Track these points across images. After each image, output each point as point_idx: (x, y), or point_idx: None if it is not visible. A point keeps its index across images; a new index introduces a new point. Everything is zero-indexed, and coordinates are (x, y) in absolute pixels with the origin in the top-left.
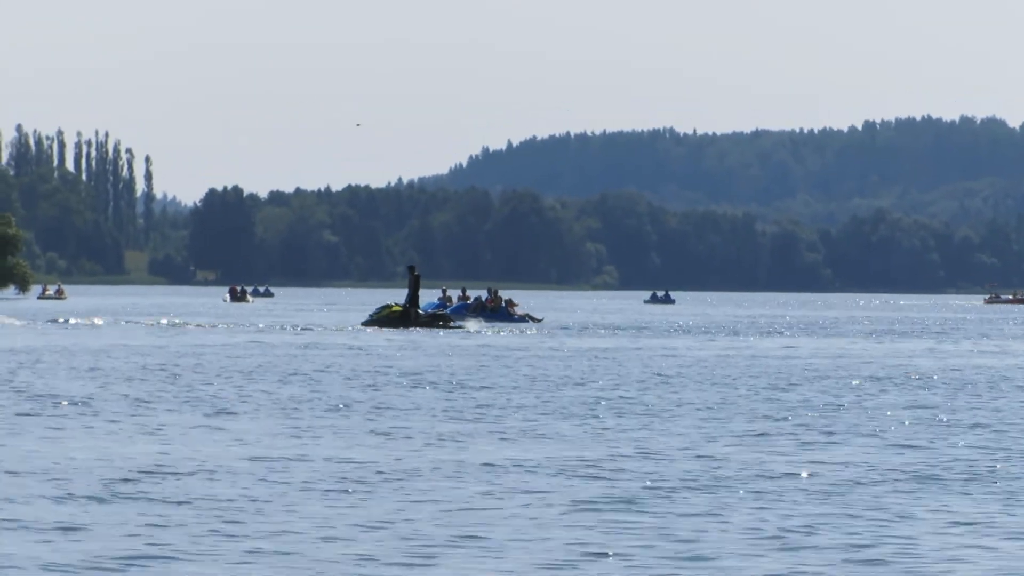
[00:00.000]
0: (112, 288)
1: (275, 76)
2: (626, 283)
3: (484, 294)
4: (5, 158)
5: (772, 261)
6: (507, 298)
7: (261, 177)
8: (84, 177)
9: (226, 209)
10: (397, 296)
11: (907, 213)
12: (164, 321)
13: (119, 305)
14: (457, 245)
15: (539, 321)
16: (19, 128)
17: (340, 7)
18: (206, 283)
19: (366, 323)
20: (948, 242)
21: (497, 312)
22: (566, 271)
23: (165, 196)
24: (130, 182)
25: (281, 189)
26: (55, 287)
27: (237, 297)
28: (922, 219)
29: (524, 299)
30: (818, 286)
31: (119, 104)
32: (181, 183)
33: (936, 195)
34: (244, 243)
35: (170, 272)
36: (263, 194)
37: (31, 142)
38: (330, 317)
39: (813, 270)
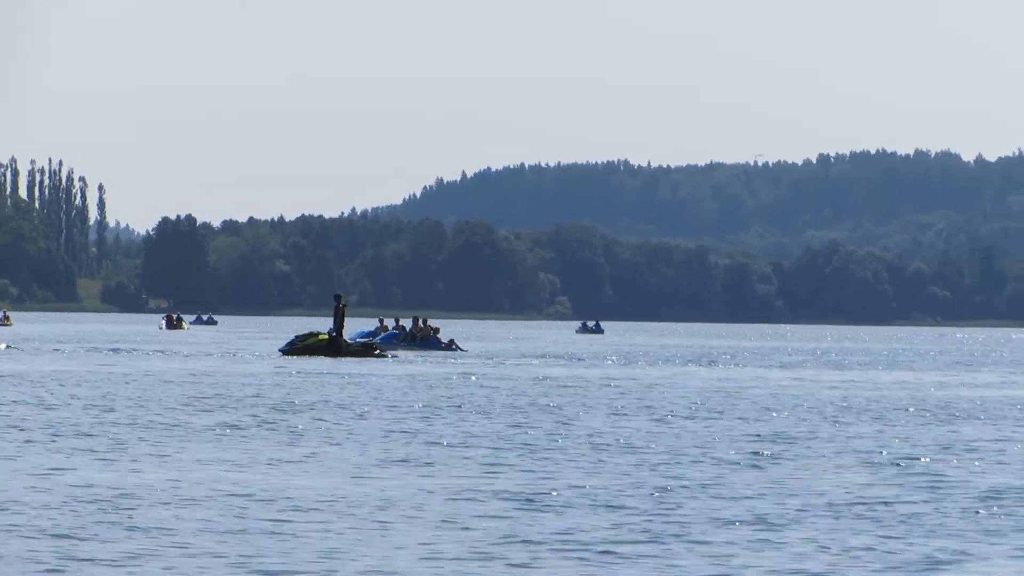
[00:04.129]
0: (63, 316)
1: (230, 105)
2: (579, 313)
3: (410, 323)
4: None
5: (725, 292)
6: (434, 327)
7: (214, 206)
8: (37, 204)
9: (179, 238)
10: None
11: (860, 245)
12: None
13: (59, 332)
14: (410, 275)
15: (464, 351)
16: None
17: (297, 39)
18: (159, 311)
19: (286, 351)
20: (901, 274)
21: (426, 340)
22: (519, 301)
23: (118, 224)
24: (83, 210)
25: (234, 218)
26: (0, 313)
27: (173, 324)
28: (875, 251)
29: (470, 328)
30: (771, 317)
31: (72, 132)
32: (134, 212)
33: (890, 228)
34: (197, 272)
35: (122, 300)
36: (216, 223)
37: None
38: (255, 345)
39: (766, 301)
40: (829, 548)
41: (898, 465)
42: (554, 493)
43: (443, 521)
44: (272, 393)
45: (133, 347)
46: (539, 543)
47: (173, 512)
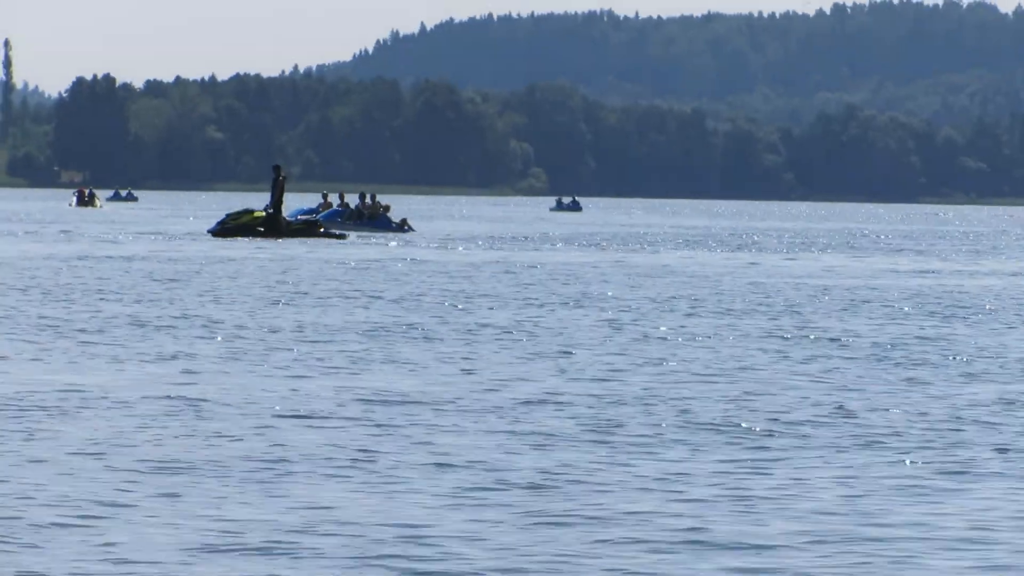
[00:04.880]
0: None
1: None
2: (557, 189)
3: (356, 199)
4: None
5: (725, 164)
6: (384, 204)
7: (136, 65)
8: None
9: (96, 101)
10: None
11: (882, 110)
12: None
13: None
14: (361, 143)
15: (413, 231)
16: None
17: None
18: (72, 185)
19: (217, 231)
20: (929, 143)
21: (375, 219)
22: (488, 174)
23: (26, 86)
24: None
25: (159, 78)
26: None
27: (84, 201)
28: (899, 117)
29: (429, 206)
30: (779, 193)
31: None
32: (45, 71)
33: (915, 90)
34: (116, 140)
35: (31, 173)
36: (138, 84)
37: None
38: (181, 225)
39: (773, 175)
40: None
41: None
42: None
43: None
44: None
45: (30, 228)
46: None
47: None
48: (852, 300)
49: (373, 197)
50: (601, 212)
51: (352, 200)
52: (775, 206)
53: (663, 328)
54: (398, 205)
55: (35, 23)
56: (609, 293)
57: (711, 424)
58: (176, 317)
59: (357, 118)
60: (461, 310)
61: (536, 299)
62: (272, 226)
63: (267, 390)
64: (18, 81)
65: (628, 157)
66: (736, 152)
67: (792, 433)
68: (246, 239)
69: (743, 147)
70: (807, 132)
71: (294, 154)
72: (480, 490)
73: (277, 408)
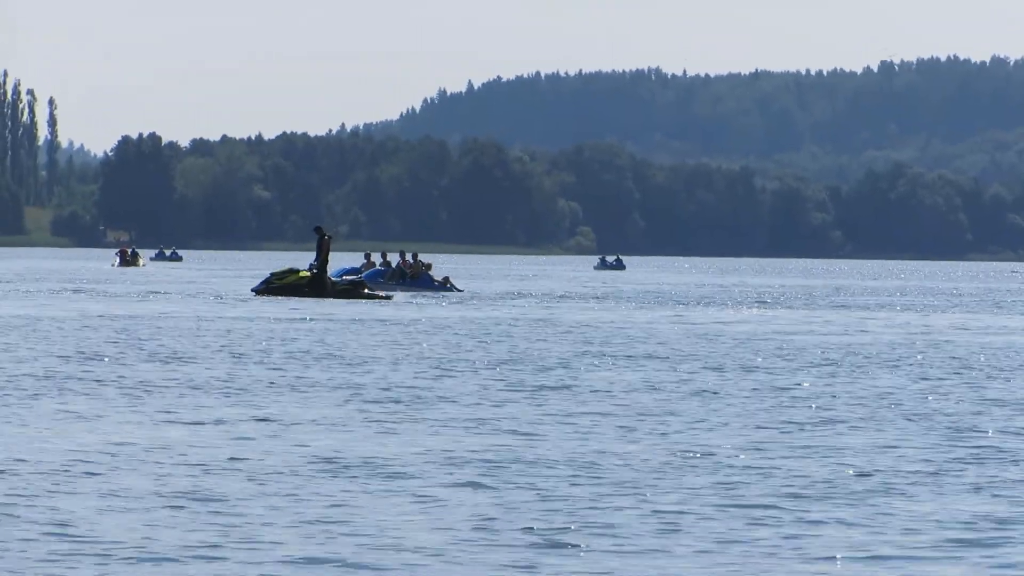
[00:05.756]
0: (5, 251)
1: (198, 7)
2: (605, 247)
3: (397, 258)
4: None
5: (773, 222)
6: (426, 262)
7: (182, 124)
8: None
9: (142, 160)
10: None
11: (930, 168)
12: None
13: None
14: (408, 202)
15: (460, 291)
16: None
17: None
18: (118, 245)
19: (261, 291)
20: (977, 201)
21: (417, 278)
22: (536, 233)
23: (72, 145)
24: (31, 128)
25: (205, 137)
26: None
27: (127, 260)
28: (947, 174)
29: (474, 265)
30: (827, 251)
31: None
32: (90, 130)
33: (963, 148)
34: (162, 199)
35: (77, 232)
36: (184, 143)
37: None
38: (224, 284)
39: (821, 233)
40: None
41: None
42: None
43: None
44: (238, 342)
45: (73, 287)
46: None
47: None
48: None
49: (415, 256)
50: (645, 271)
51: (394, 259)
52: (823, 263)
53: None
54: (445, 264)
55: (80, 82)
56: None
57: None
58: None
59: (404, 177)
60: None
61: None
62: (317, 286)
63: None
64: (63, 140)
65: (676, 215)
66: (784, 210)
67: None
68: (291, 299)
69: (791, 205)
70: (855, 190)
71: (341, 213)
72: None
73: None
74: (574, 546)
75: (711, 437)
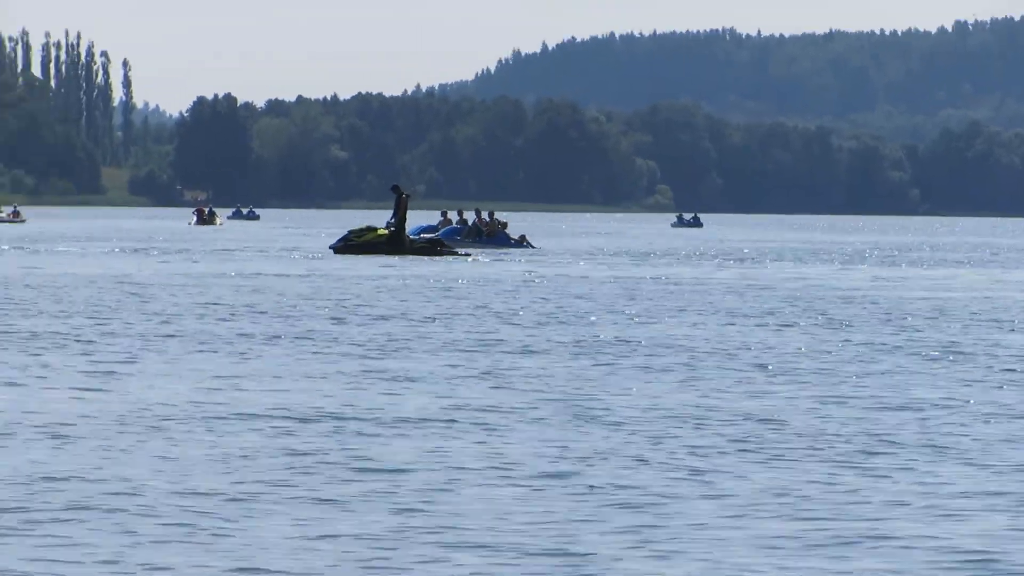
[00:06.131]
0: (83, 211)
1: None
2: (683, 205)
3: (473, 216)
4: None
5: (850, 181)
6: (502, 221)
7: (257, 84)
8: (53, 84)
9: (217, 120)
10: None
11: (1006, 126)
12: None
13: (76, 229)
14: (484, 162)
15: (535, 248)
16: None
17: None
18: (195, 204)
19: (339, 248)
20: None
21: (493, 236)
22: (613, 191)
23: (147, 106)
24: (106, 89)
25: (280, 98)
26: (10, 208)
27: (204, 219)
28: (1023, 132)
29: (551, 223)
30: (904, 208)
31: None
32: (164, 91)
33: None
34: (238, 159)
35: (154, 192)
36: (260, 103)
37: None
38: (302, 242)
39: (899, 191)
40: None
41: None
42: None
43: None
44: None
45: (150, 246)
46: None
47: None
48: None
49: (491, 214)
50: (722, 228)
51: (470, 217)
52: (897, 221)
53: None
54: (522, 223)
55: (153, 43)
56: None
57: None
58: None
59: (480, 137)
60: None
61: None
62: (395, 244)
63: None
64: (138, 101)
65: (752, 174)
66: (861, 169)
67: None
68: (370, 256)
69: (868, 164)
70: (931, 148)
71: (417, 173)
72: None
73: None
74: None
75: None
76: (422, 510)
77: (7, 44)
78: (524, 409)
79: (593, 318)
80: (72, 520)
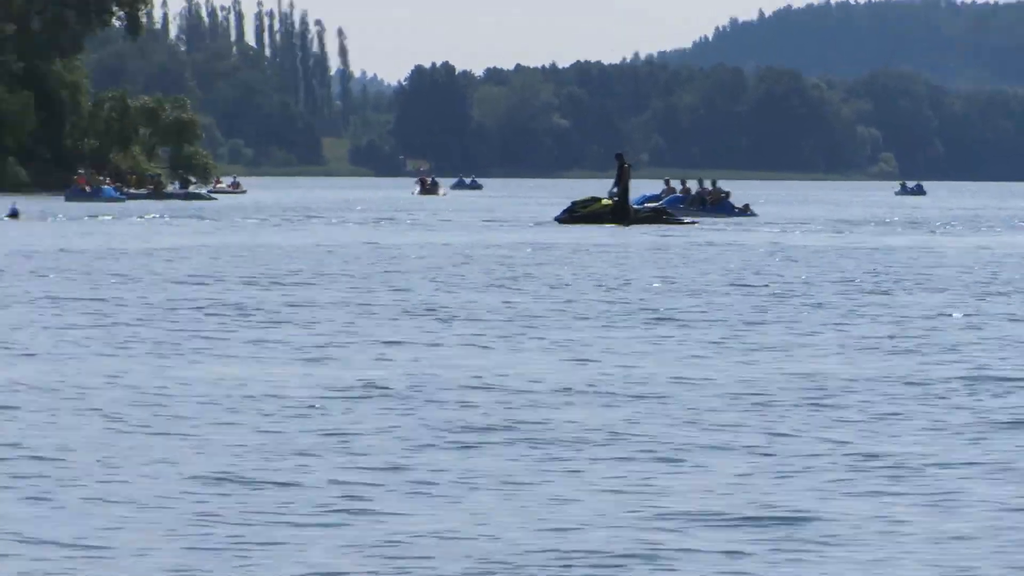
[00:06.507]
0: (305, 181)
1: None
2: (906, 173)
3: (696, 186)
4: (175, 32)
5: None
6: (725, 190)
7: (474, 52)
8: (267, 53)
9: (436, 89)
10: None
11: None
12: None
13: (293, 199)
14: (706, 130)
15: (756, 216)
16: None
17: None
18: (417, 174)
19: (564, 219)
20: None
21: (717, 204)
22: (835, 159)
23: (364, 75)
24: (322, 59)
25: (499, 66)
26: (230, 179)
27: (427, 189)
28: None
29: (772, 191)
30: None
31: None
32: (380, 60)
33: None
34: (458, 128)
35: (375, 162)
36: (478, 71)
37: (203, 13)
38: (523, 212)
39: None
40: None
41: None
42: None
43: None
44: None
45: (380, 217)
46: None
47: None
48: None
49: (714, 183)
50: (947, 196)
51: (693, 187)
52: None
53: None
54: (746, 190)
55: (368, 11)
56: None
57: None
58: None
59: (701, 104)
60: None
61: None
62: (620, 214)
63: None
64: (355, 70)
65: (972, 142)
66: None
67: None
68: (595, 227)
69: None
70: None
71: (640, 141)
72: None
73: None
74: None
75: None
76: None
77: (219, 14)
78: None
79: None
80: None
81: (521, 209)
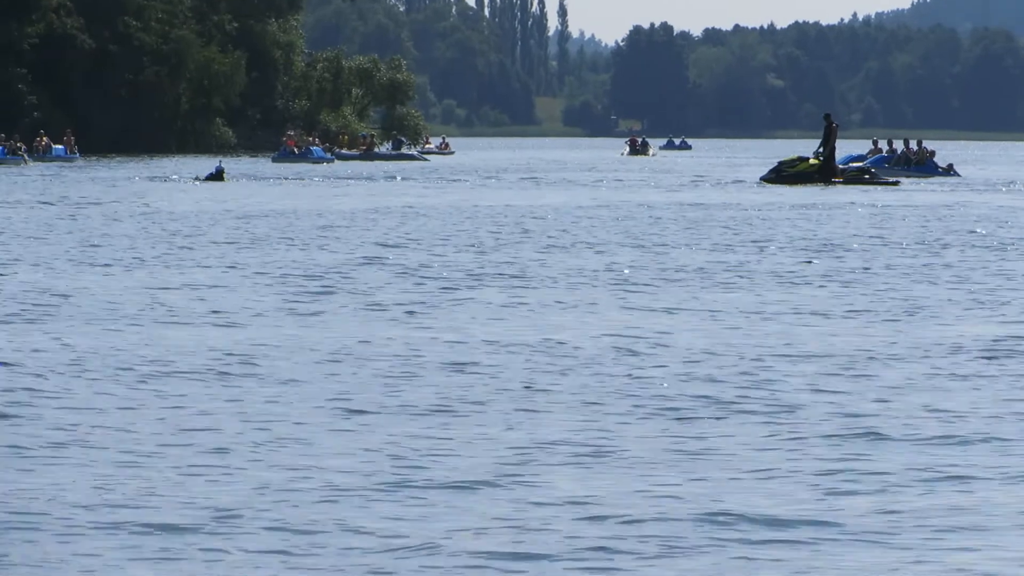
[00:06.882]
0: (516, 141)
1: None
2: None
3: (901, 146)
4: None
5: None
6: (930, 150)
7: (693, 13)
8: (487, 14)
9: (653, 50)
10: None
11: None
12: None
13: (499, 160)
14: (921, 90)
15: (960, 176)
16: None
17: None
18: (629, 134)
19: (771, 179)
20: None
21: (923, 165)
22: None
23: (582, 35)
24: (541, 19)
25: (717, 27)
26: (438, 140)
27: (636, 150)
28: None
29: (982, 151)
30: None
31: None
32: (599, 20)
33: None
34: (674, 89)
35: (588, 122)
36: (696, 32)
37: None
38: (730, 172)
39: None
40: None
41: None
42: None
43: None
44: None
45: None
46: None
47: None
48: None
49: (919, 143)
50: None
51: (899, 147)
52: None
53: None
54: (955, 152)
55: None
56: None
57: None
58: None
59: (917, 65)
60: None
61: None
62: (827, 173)
63: None
64: (573, 30)
65: None
66: None
67: None
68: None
69: None
70: None
71: (855, 101)
72: None
73: None
74: None
75: None
76: None
77: None
78: None
79: None
80: None
81: (728, 171)
